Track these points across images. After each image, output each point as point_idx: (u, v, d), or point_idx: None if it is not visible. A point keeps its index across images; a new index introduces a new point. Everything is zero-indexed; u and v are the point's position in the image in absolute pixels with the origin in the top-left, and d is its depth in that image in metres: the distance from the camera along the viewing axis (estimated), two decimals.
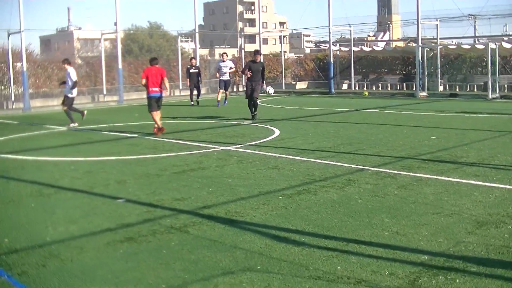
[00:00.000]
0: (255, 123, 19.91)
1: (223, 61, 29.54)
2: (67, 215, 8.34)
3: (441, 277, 5.65)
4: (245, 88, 23.42)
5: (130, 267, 6.14)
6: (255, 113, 21.24)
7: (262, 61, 22.70)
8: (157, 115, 17.77)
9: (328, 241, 6.84)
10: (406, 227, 7.30)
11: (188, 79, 30.62)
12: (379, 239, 6.85)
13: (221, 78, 28.85)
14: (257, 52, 22.10)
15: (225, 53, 31.79)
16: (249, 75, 21.14)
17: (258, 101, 21.69)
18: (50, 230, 7.61)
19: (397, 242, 6.75)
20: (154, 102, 17.93)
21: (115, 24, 35.97)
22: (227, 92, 29.48)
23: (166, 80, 18.15)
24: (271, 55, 52.58)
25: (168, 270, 6.00)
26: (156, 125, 17.60)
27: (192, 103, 30.15)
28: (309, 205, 8.52)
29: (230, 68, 29.24)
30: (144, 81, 17.94)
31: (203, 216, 8.05)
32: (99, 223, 7.85)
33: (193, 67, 30.66)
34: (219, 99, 28.80)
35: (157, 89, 17.93)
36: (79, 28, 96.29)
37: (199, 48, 43.69)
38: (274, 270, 5.91)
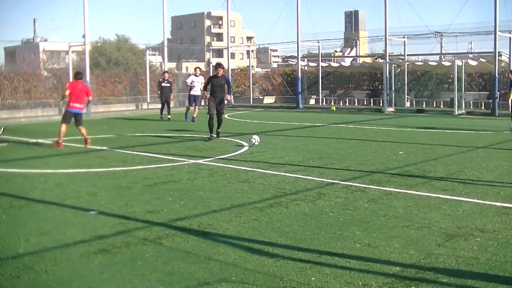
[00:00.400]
0: (223, 137, 19.92)
1: (196, 76, 28.80)
2: (39, 227, 8.31)
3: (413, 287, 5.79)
4: (207, 105, 20.49)
5: (105, 278, 6.16)
6: (218, 130, 19.82)
7: (225, 74, 21.30)
8: (82, 129, 17.83)
9: (301, 253, 6.93)
10: (378, 240, 7.43)
11: (160, 93, 30.14)
12: (351, 251, 6.96)
13: (192, 93, 28.36)
14: (218, 66, 20.24)
15: (199, 67, 31.32)
16: (207, 95, 19.79)
17: (223, 116, 20.20)
18: (22, 242, 7.58)
19: (369, 254, 6.87)
20: (70, 117, 17.88)
21: (83, 36, 35.87)
22: (197, 106, 28.66)
23: (90, 98, 18.61)
24: (238, 70, 52.78)
25: (144, 281, 6.04)
26: (58, 139, 17.64)
27: (162, 117, 29.79)
28: (281, 218, 8.62)
29: (202, 83, 28.61)
30: (68, 92, 17.81)
31: (177, 228, 8.10)
32: (72, 235, 7.84)
33: (165, 81, 30.23)
34: (187, 113, 28.77)
35: (79, 105, 17.92)
36: (45, 40, 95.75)
37: (167, 62, 43.66)
38: (249, 281, 5.98)
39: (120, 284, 5.97)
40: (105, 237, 7.66)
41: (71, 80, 35.04)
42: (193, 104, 28.45)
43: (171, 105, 31.21)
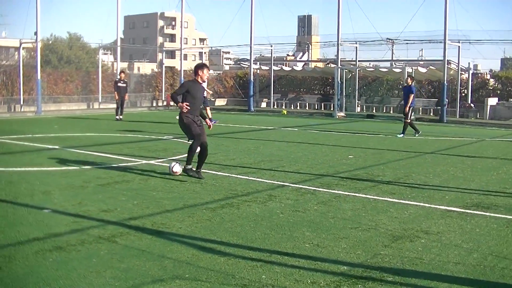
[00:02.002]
0: (175, 139, 19.98)
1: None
2: None
3: (359, 285, 6.04)
4: (185, 120, 12.16)
5: (60, 275, 6.25)
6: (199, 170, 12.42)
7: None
8: None
9: (252, 252, 7.14)
10: (326, 240, 7.68)
11: (116, 93, 29.91)
12: (301, 251, 7.20)
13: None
14: (203, 67, 12.65)
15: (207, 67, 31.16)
16: (185, 110, 11.97)
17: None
18: None
19: (318, 253, 7.11)
20: None
21: (35, 33, 35.46)
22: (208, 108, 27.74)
23: None
24: (191, 71, 52.76)
25: (99, 278, 6.17)
26: None
27: (117, 117, 29.54)
28: (232, 219, 8.81)
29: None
30: None
31: (130, 227, 8.24)
32: (26, 232, 7.89)
33: (122, 81, 30.09)
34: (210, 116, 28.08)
35: None
36: None
37: (119, 61, 43.53)
38: (202, 278, 6.16)
39: (75, 281, 6.08)
40: (59, 235, 7.74)
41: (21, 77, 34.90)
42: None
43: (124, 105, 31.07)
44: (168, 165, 12.74)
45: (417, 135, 22.69)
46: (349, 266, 6.67)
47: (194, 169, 12.18)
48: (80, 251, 7.06)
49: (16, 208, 9.51)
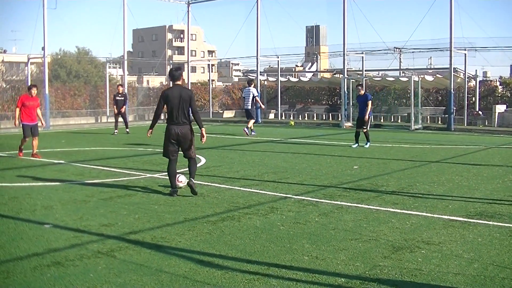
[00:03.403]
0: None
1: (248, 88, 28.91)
2: None
3: None
4: (166, 132, 12.10)
5: None
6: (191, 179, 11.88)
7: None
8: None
9: (250, 265, 7.11)
10: (326, 252, 7.64)
11: (114, 107, 29.93)
12: (299, 264, 7.16)
13: (245, 107, 28.80)
14: (177, 70, 12.34)
15: (252, 80, 31.89)
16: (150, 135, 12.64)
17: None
18: None
19: (316, 266, 7.07)
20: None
21: (43, 48, 35.71)
22: (251, 120, 28.75)
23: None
24: (199, 84, 52.92)
25: None
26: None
27: (116, 131, 29.40)
28: (232, 231, 8.79)
29: (255, 96, 28.68)
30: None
31: (130, 241, 8.23)
32: (26, 248, 7.91)
33: (119, 95, 29.93)
34: (251, 127, 28.50)
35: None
36: (4, 51, 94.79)
37: (127, 75, 43.63)
38: None
39: None
40: (58, 250, 7.74)
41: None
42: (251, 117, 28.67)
43: (130, 118, 31.04)
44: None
45: (356, 146, 21.83)
46: (347, 278, 6.63)
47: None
48: (78, 266, 7.04)
49: (17, 224, 9.52)
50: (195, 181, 11.82)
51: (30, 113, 18.56)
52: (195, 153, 12.23)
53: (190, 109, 12.02)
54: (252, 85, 29.40)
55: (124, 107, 30.23)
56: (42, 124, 19.37)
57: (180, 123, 11.90)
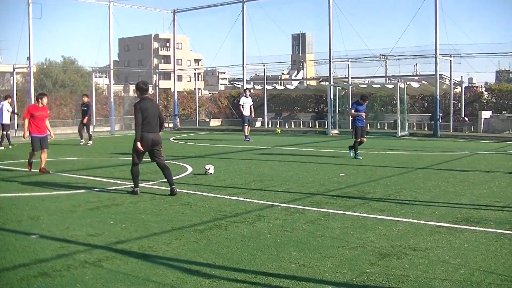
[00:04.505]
0: (167, 161, 19.92)
1: (246, 97, 30.59)
2: None
3: None
4: (141, 140, 13.00)
5: None
6: (173, 186, 13.04)
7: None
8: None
9: (237, 273, 7.11)
10: (313, 260, 7.65)
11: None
12: (286, 271, 7.17)
13: (245, 114, 30.22)
14: (146, 84, 13.49)
15: (248, 89, 33.36)
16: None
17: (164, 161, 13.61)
18: None
19: (303, 273, 7.07)
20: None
21: (28, 58, 35.60)
22: (248, 126, 30.75)
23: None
24: (185, 93, 52.91)
25: None
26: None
27: (83, 141, 29.00)
28: (220, 240, 8.79)
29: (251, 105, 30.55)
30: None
31: (117, 251, 8.20)
32: (12, 258, 7.87)
33: (83, 105, 29.11)
34: (247, 133, 30.31)
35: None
36: None
37: (114, 84, 43.56)
38: None
39: None
40: (45, 261, 7.71)
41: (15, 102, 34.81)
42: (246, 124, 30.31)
43: (116, 127, 30.63)
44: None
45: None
46: (334, 285, 6.64)
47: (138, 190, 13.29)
48: (65, 277, 7.02)
49: (3, 234, 9.47)
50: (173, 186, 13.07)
51: (40, 124, 17.64)
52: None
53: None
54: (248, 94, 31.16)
55: (87, 117, 29.11)
56: (51, 136, 18.48)
57: (155, 131, 13.15)
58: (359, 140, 20.64)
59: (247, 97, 30.44)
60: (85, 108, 29.06)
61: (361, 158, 20.30)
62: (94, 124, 39.93)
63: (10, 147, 27.42)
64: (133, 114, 13.45)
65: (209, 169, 16.44)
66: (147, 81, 14.96)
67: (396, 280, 6.81)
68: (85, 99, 29.69)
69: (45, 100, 17.98)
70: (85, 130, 29.16)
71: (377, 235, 9.04)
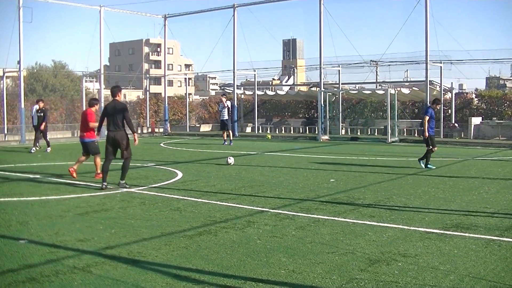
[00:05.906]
0: (157, 166, 19.94)
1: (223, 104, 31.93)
2: None
3: None
4: (106, 137, 15.18)
5: None
6: (123, 181, 14.96)
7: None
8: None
9: (227, 279, 7.09)
10: (302, 266, 7.63)
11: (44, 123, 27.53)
12: (276, 277, 7.14)
13: (223, 119, 31.73)
14: (115, 88, 15.30)
15: (225, 95, 33.96)
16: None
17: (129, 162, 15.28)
18: None
19: (293, 279, 7.06)
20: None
21: (18, 62, 35.49)
22: (229, 131, 31.99)
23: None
24: (176, 98, 52.87)
25: None
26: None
27: (34, 149, 27.54)
28: (209, 246, 8.76)
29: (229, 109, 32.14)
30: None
31: (106, 257, 8.17)
32: (0, 264, 7.82)
33: (39, 111, 27.63)
34: (225, 138, 31.63)
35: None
36: None
37: (104, 88, 43.45)
38: None
39: None
40: (34, 266, 7.67)
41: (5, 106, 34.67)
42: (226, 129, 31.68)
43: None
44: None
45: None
46: None
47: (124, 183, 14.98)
48: (53, 282, 6.98)
49: None
50: (122, 182, 14.93)
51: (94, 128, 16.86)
52: (130, 155, 15.13)
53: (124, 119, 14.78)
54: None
55: (44, 123, 27.67)
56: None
57: (116, 129, 14.79)
58: (435, 148, 19.80)
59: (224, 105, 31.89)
60: (41, 114, 27.63)
61: (434, 167, 19.42)
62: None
63: (33, 150, 27.09)
64: (124, 117, 14.46)
65: (230, 160, 20.18)
66: (120, 85, 16.41)
67: (386, 286, 6.80)
68: (41, 104, 28.12)
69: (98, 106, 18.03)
70: (42, 137, 27.83)
71: (367, 241, 9.03)
